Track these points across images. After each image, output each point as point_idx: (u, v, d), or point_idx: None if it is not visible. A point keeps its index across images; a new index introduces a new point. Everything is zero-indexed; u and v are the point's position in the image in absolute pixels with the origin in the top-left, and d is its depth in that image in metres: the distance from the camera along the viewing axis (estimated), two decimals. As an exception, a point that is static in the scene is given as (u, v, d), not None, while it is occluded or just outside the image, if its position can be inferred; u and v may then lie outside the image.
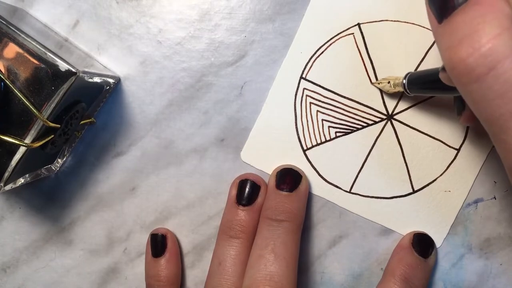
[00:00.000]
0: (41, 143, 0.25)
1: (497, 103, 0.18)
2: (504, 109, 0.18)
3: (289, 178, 0.30)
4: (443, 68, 0.22)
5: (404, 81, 0.28)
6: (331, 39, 0.30)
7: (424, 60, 0.30)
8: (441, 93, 0.26)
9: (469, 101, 0.19)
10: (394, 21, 0.30)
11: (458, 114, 0.27)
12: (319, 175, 0.31)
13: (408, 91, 0.28)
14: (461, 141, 0.30)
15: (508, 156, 0.19)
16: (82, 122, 0.29)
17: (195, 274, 0.32)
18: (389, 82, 0.29)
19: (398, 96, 0.30)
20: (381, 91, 0.30)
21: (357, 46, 0.30)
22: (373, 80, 0.30)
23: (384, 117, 0.30)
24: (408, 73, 0.28)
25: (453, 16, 0.19)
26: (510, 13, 0.18)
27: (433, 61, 0.30)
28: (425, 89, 0.27)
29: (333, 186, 0.31)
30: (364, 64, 0.30)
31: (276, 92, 0.31)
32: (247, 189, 0.30)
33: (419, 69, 0.30)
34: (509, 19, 0.18)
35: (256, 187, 0.30)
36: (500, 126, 0.18)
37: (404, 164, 0.31)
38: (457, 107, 0.27)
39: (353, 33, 0.30)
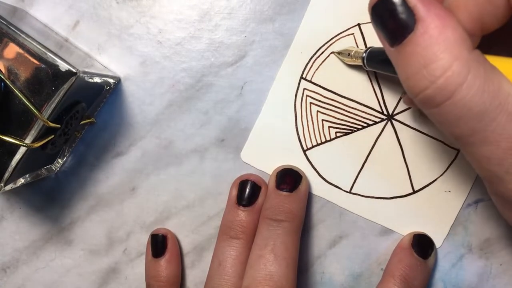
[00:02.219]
0: (41, 143, 0.25)
1: (457, 124, 0.19)
2: (465, 128, 0.19)
3: (289, 178, 0.30)
4: None
5: (364, 54, 0.28)
6: (331, 39, 0.30)
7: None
8: (394, 73, 0.27)
9: (433, 121, 0.21)
10: (394, 21, 0.30)
11: (403, 92, 0.28)
12: (319, 175, 0.31)
13: (365, 65, 0.28)
14: (461, 142, 0.30)
15: (477, 164, 0.21)
16: (82, 122, 0.29)
17: (195, 274, 0.32)
18: (349, 54, 0.29)
19: (357, 68, 0.30)
20: (381, 91, 0.30)
21: (358, 46, 0.30)
22: (375, 84, 0.30)
23: (384, 117, 0.30)
24: (369, 47, 0.28)
25: (404, 46, 0.20)
26: (459, 35, 0.19)
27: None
28: (382, 66, 0.27)
29: (333, 186, 0.31)
30: (364, 64, 0.30)
31: (276, 92, 0.31)
32: (247, 190, 0.30)
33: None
34: (459, 44, 0.19)
35: (256, 188, 0.30)
36: (464, 141, 0.20)
37: (404, 164, 0.31)
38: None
39: (353, 33, 0.30)
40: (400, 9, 0.19)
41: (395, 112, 0.30)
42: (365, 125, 0.31)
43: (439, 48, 0.19)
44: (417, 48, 0.19)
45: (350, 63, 0.30)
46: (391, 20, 0.20)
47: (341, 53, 0.30)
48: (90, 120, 0.30)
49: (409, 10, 0.19)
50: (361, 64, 0.28)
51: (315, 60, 0.30)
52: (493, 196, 0.22)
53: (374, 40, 0.30)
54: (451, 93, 0.19)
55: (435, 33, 0.19)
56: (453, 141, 0.21)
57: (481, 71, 0.19)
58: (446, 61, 0.18)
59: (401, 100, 0.30)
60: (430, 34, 0.19)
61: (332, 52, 0.30)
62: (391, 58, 0.21)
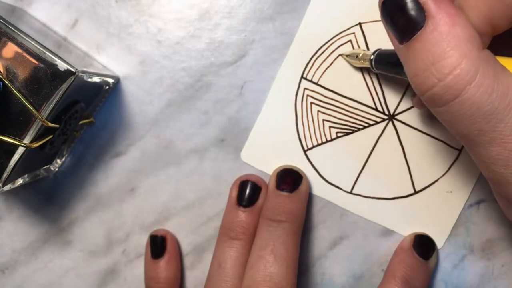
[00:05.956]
0: (39, 143, 0.24)
1: (465, 123, 0.19)
2: (472, 128, 0.19)
3: (290, 178, 0.30)
4: None
5: (372, 57, 0.27)
6: (332, 38, 0.30)
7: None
8: (404, 75, 0.27)
9: (439, 119, 0.21)
10: (396, 20, 0.30)
11: (412, 95, 0.28)
12: (320, 175, 0.31)
13: (373, 67, 0.28)
14: (463, 142, 0.30)
15: (483, 165, 0.21)
16: (81, 122, 0.29)
17: (195, 275, 0.32)
18: (357, 57, 0.29)
19: (365, 70, 0.30)
20: (382, 91, 0.30)
21: (359, 46, 0.30)
22: (376, 84, 0.30)
23: (386, 117, 0.30)
24: (377, 49, 0.28)
25: (413, 42, 0.20)
26: (469, 34, 0.19)
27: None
28: (390, 68, 0.27)
29: (334, 187, 0.31)
30: (365, 64, 0.30)
31: (277, 92, 0.30)
32: (247, 190, 0.30)
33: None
34: (468, 42, 0.19)
35: (257, 188, 0.30)
36: (471, 140, 0.20)
37: (406, 165, 0.30)
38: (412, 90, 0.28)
39: (354, 33, 0.30)
40: (410, 5, 0.20)
41: (396, 112, 0.30)
42: (366, 125, 0.30)
43: (448, 46, 0.19)
44: (426, 45, 0.19)
45: (358, 66, 0.29)
46: (401, 16, 0.20)
47: (349, 55, 0.29)
48: (89, 120, 0.30)
49: (420, 7, 0.19)
50: (369, 66, 0.28)
51: (316, 59, 0.30)
52: (498, 197, 0.22)
53: (375, 39, 0.30)
54: (459, 92, 0.19)
55: (445, 30, 0.19)
56: (458, 140, 0.21)
57: (490, 71, 0.19)
58: (455, 59, 0.19)
59: (402, 100, 0.30)
60: (440, 31, 0.19)
61: (340, 55, 0.30)
62: (399, 55, 0.21)
